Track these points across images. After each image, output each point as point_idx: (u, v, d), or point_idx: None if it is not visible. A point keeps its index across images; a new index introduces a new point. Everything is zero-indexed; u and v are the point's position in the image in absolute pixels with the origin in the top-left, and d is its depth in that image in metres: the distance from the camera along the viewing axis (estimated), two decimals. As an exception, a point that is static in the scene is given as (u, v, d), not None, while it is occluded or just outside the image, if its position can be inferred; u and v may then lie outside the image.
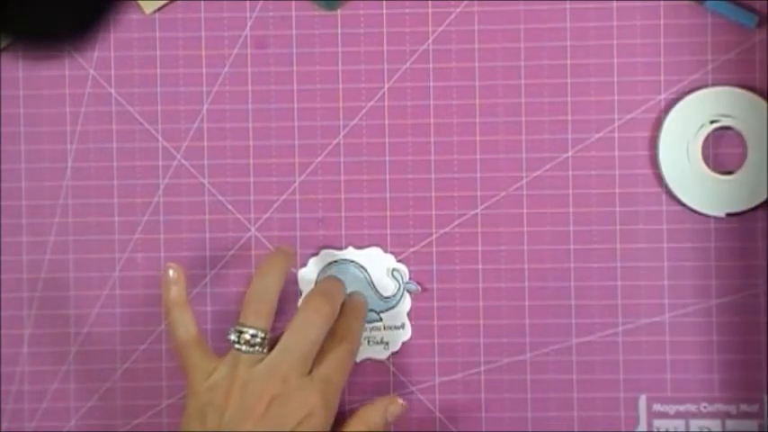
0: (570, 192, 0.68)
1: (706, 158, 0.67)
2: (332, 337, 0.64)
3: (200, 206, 0.70)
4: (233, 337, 0.63)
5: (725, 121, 0.67)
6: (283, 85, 0.69)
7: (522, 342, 0.69)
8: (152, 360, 0.70)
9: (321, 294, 0.64)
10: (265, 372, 0.62)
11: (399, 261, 0.69)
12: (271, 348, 0.63)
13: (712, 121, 0.67)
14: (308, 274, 0.69)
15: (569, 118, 0.68)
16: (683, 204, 0.67)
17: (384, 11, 0.69)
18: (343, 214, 0.69)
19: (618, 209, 0.68)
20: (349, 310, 0.66)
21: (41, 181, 0.70)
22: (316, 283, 0.69)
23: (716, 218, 0.67)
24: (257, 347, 0.62)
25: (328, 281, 0.68)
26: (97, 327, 0.70)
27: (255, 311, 0.63)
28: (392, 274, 0.69)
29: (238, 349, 0.63)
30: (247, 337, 0.62)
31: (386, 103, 0.69)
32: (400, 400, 0.66)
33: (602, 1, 0.68)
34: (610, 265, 0.68)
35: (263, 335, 0.63)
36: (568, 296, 0.68)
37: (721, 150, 0.67)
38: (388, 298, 0.69)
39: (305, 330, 0.63)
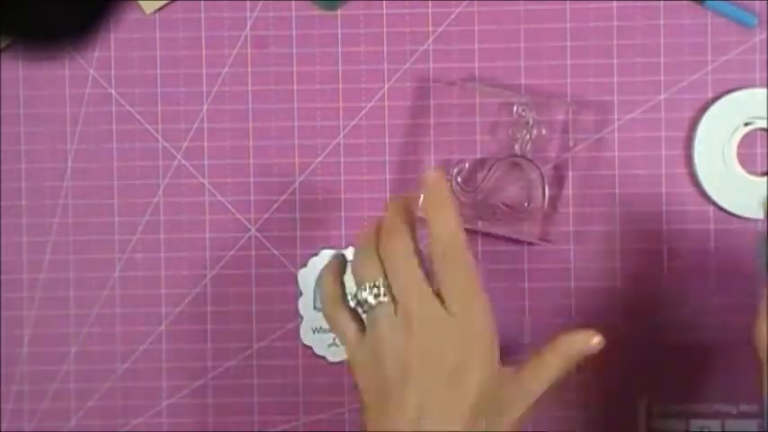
0: (570, 192, 0.68)
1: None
2: (435, 258, 0.57)
3: (200, 206, 0.70)
4: (353, 303, 0.58)
5: (759, 123, 0.67)
6: (283, 85, 0.69)
7: (522, 342, 0.69)
8: (152, 360, 0.70)
9: (387, 233, 0.57)
10: (401, 325, 0.56)
11: (399, 261, 0.69)
12: None
13: (746, 123, 0.67)
14: (308, 274, 0.69)
15: (570, 118, 0.68)
16: (718, 206, 0.67)
17: (384, 11, 0.69)
18: (343, 214, 0.69)
19: (617, 209, 0.68)
20: (430, 209, 0.58)
21: (41, 181, 0.70)
22: (316, 283, 0.69)
23: (715, 218, 0.68)
24: (381, 297, 0.56)
25: (395, 208, 0.59)
26: (97, 327, 0.70)
27: (361, 265, 0.58)
28: (392, 274, 0.69)
29: (365, 311, 0.57)
30: (365, 294, 0.57)
31: (386, 103, 0.69)
32: (597, 338, 0.58)
33: (602, 1, 0.68)
34: (610, 265, 0.68)
35: (381, 282, 0.57)
36: (569, 296, 0.68)
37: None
38: (388, 298, 0.69)
39: (404, 278, 0.56)
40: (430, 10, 0.69)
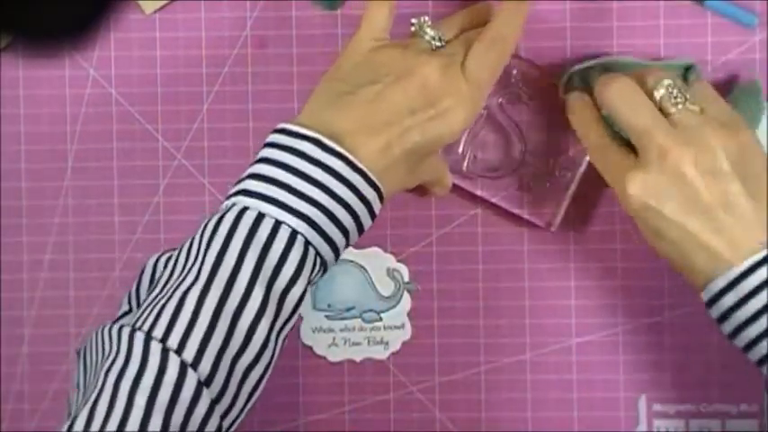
0: (570, 191, 0.67)
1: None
2: (485, 35, 0.61)
3: (200, 206, 0.70)
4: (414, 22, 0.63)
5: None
6: (283, 85, 0.69)
7: (522, 342, 0.69)
8: (152, 360, 0.70)
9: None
10: (420, 51, 0.61)
11: (399, 261, 0.69)
12: None
13: None
14: (308, 274, 0.69)
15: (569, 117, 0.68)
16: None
17: (384, 11, 0.69)
18: (343, 214, 0.69)
19: (617, 209, 0.68)
20: (509, 9, 0.62)
21: (41, 181, 0.70)
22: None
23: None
24: (435, 41, 0.62)
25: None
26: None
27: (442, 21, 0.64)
28: (392, 274, 0.69)
29: (415, 32, 0.62)
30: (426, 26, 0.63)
31: (386, 103, 0.69)
32: None
33: (602, 1, 0.68)
34: (610, 265, 0.68)
35: (440, 35, 0.62)
36: (568, 296, 0.68)
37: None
38: (388, 298, 0.69)
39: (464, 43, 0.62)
40: (430, 10, 0.69)
